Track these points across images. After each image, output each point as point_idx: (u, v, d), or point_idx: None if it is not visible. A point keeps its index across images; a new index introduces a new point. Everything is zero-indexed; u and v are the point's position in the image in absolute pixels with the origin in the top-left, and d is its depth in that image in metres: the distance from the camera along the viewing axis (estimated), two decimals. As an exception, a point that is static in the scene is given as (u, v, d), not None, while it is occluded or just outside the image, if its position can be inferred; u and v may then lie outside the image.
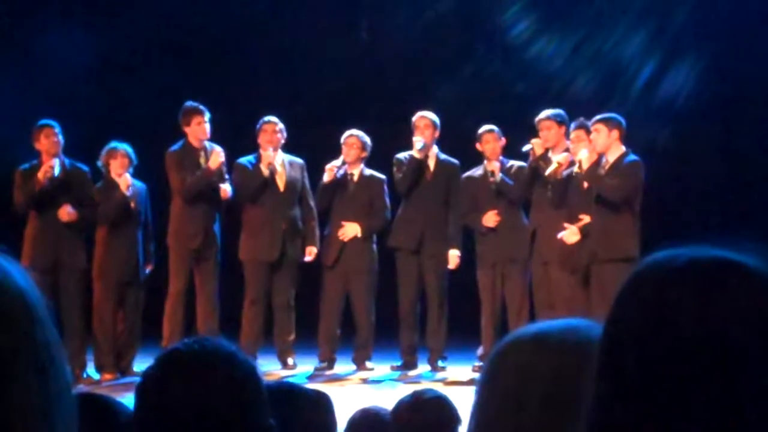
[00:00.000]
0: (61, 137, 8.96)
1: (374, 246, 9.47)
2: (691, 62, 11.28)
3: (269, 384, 2.57)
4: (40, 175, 8.82)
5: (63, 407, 1.17)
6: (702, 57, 11.25)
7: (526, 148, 9.08)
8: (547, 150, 8.91)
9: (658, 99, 11.16)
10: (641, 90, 11.20)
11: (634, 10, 11.42)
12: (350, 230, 9.35)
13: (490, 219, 9.18)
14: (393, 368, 9.36)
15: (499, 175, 9.20)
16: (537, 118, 9.00)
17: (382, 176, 9.53)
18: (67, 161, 9.01)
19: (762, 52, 10.95)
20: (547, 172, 8.77)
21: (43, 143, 8.94)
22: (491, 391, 1.43)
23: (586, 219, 8.48)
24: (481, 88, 11.53)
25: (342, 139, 9.42)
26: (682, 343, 1.11)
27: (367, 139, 9.43)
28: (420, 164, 9.31)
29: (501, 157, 9.31)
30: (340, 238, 9.34)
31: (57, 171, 8.86)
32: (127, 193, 8.98)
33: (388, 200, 9.52)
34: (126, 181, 8.98)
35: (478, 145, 9.33)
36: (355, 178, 9.42)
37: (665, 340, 1.12)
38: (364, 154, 9.43)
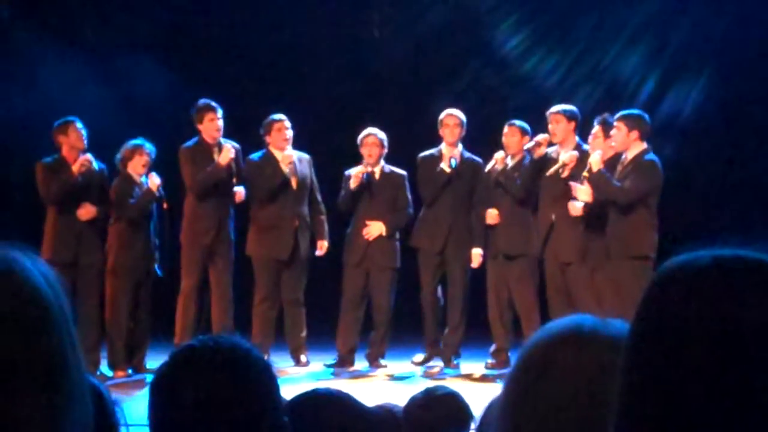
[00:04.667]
0: (86, 132, 9.01)
1: (397, 243, 9.47)
2: (693, 77, 11.23)
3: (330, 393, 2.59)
4: (76, 168, 8.87)
5: (75, 412, 1.17)
6: (704, 71, 11.21)
7: (528, 145, 9.03)
8: (551, 144, 8.92)
9: (661, 114, 11.11)
10: (643, 105, 11.13)
11: (635, 24, 11.39)
12: (375, 229, 9.34)
13: (491, 216, 9.18)
14: (414, 362, 9.38)
15: (500, 166, 9.17)
16: (548, 111, 8.98)
17: (403, 172, 9.52)
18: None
19: (764, 65, 10.91)
20: (550, 171, 8.73)
21: (71, 137, 8.98)
22: (527, 387, 1.42)
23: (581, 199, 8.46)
24: (477, 101, 11.51)
25: (359, 139, 9.40)
26: (708, 341, 1.12)
27: (384, 136, 9.42)
28: (450, 179, 9.31)
29: (525, 153, 9.21)
30: (366, 237, 9.34)
31: (96, 166, 8.93)
32: (157, 194, 9.03)
33: (410, 195, 9.52)
34: (155, 180, 9.01)
35: (503, 137, 9.29)
36: (377, 175, 9.42)
37: (691, 337, 1.13)
38: (384, 151, 9.42)
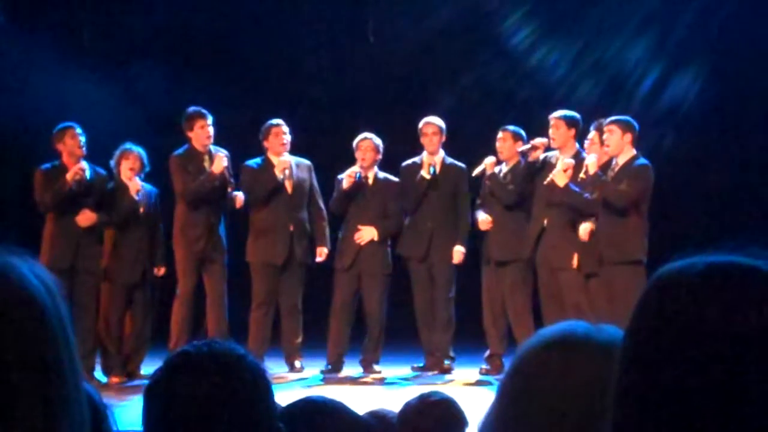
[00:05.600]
0: (84, 139, 8.99)
1: (389, 249, 9.48)
2: (694, 69, 11.26)
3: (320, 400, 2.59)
4: (69, 176, 8.86)
5: (70, 418, 1.16)
6: (705, 64, 11.24)
7: (523, 147, 9.06)
8: (548, 149, 8.92)
9: (662, 106, 11.14)
10: (645, 97, 11.18)
11: (637, 18, 11.41)
12: (367, 234, 9.35)
13: (483, 223, 9.19)
14: (414, 368, 9.38)
15: (493, 171, 9.18)
16: (550, 115, 8.98)
17: (396, 179, 9.54)
18: (88, 165, 9.05)
19: (765, 58, 10.94)
20: (547, 180, 8.71)
21: (68, 144, 8.97)
22: (521, 393, 1.43)
23: (587, 226, 8.48)
24: (483, 95, 11.52)
25: (355, 144, 9.42)
26: (704, 348, 1.12)
27: (380, 141, 9.44)
28: (430, 185, 9.32)
29: (520, 159, 9.23)
30: (357, 241, 9.34)
31: (89, 174, 8.92)
32: (136, 198, 9.01)
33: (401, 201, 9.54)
34: (136, 185, 9.01)
35: (497, 142, 9.30)
36: (370, 181, 9.43)
37: (687, 344, 1.13)
38: (378, 157, 9.45)
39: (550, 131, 8.88)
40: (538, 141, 8.95)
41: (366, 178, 9.40)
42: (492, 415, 1.45)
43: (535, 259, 8.86)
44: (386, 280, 9.44)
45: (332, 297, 9.44)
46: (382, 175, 9.50)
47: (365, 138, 9.42)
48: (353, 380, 9.14)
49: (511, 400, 1.43)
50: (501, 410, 1.44)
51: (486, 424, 1.45)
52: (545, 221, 8.78)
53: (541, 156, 8.97)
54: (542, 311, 8.82)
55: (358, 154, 9.40)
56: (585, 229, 8.51)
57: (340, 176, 9.43)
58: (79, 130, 9.01)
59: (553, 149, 8.93)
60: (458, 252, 9.30)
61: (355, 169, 9.34)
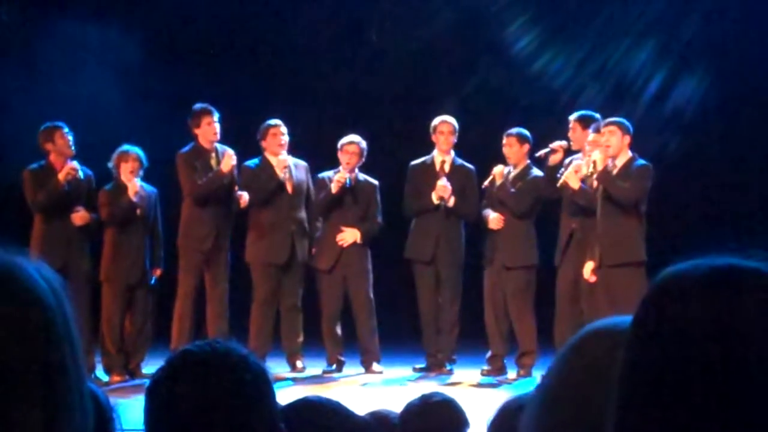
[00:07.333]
0: (72, 137, 8.99)
1: (368, 250, 9.47)
2: (699, 74, 11.26)
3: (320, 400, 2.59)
4: (62, 176, 8.86)
5: (73, 420, 1.16)
6: (710, 69, 11.24)
7: (543, 152, 8.99)
8: (567, 152, 8.87)
9: (666, 111, 11.14)
10: (649, 102, 11.17)
11: (642, 23, 11.42)
12: (349, 236, 9.35)
13: (495, 221, 9.16)
14: (416, 369, 9.38)
15: (499, 181, 9.16)
16: (570, 117, 8.95)
17: (375, 181, 9.53)
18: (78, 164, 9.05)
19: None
20: (560, 182, 8.64)
21: (58, 144, 8.96)
22: (563, 384, 1.41)
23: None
24: (486, 99, 11.52)
25: (340, 146, 9.40)
26: (708, 352, 1.12)
27: (365, 145, 9.43)
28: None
29: (528, 162, 9.21)
30: (339, 243, 9.34)
31: (82, 174, 8.93)
32: (134, 199, 9.00)
33: (380, 204, 9.53)
34: (134, 187, 9.00)
35: (503, 148, 9.27)
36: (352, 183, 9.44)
37: (691, 348, 1.13)
38: (362, 160, 9.44)
39: (569, 134, 8.84)
40: (557, 144, 8.86)
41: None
42: (545, 393, 1.42)
43: (562, 262, 8.75)
44: (370, 278, 9.42)
45: (320, 301, 9.43)
46: (362, 176, 9.49)
47: (351, 142, 9.39)
48: (354, 380, 9.13)
49: (550, 392, 1.41)
50: (541, 402, 1.41)
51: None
52: (573, 225, 8.72)
53: (566, 160, 8.86)
54: (557, 313, 8.70)
55: (342, 157, 9.37)
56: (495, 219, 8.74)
57: (321, 175, 9.42)
58: (66, 130, 9.00)
59: (575, 152, 8.86)
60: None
61: (344, 176, 9.32)
